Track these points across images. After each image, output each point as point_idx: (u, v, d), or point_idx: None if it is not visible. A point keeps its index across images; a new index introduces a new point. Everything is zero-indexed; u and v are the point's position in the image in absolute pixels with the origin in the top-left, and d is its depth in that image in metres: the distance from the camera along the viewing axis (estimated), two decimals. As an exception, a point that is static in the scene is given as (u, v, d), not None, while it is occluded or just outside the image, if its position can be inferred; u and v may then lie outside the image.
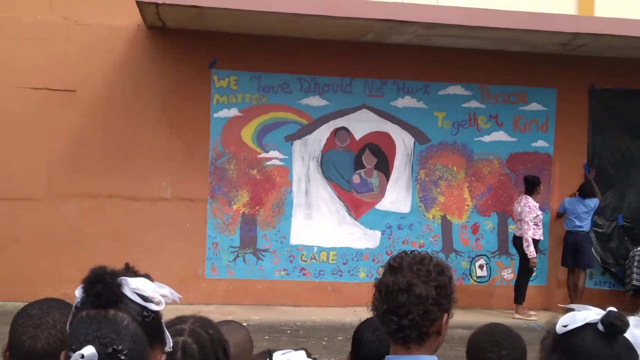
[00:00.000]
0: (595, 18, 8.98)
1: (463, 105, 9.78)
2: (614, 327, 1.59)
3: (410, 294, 1.91)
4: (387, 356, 2.01)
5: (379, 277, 2.01)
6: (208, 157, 9.19)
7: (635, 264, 9.59)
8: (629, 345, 1.61)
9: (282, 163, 9.38)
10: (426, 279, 1.93)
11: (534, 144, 9.95)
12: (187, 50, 9.07)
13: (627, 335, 1.61)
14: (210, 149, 9.19)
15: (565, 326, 1.65)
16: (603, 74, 9.96)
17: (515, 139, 9.91)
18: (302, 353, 2.22)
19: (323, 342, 7.72)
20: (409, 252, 2.02)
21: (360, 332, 2.47)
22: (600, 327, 1.60)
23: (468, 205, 9.86)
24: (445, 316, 1.96)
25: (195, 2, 7.69)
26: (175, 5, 7.67)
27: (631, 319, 1.65)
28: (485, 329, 2.64)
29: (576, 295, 9.61)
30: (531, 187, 9.15)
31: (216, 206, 9.23)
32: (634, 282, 9.56)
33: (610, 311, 1.62)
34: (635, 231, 10.05)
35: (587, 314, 1.63)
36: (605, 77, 9.99)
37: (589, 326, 1.62)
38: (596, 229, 9.98)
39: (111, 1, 8.95)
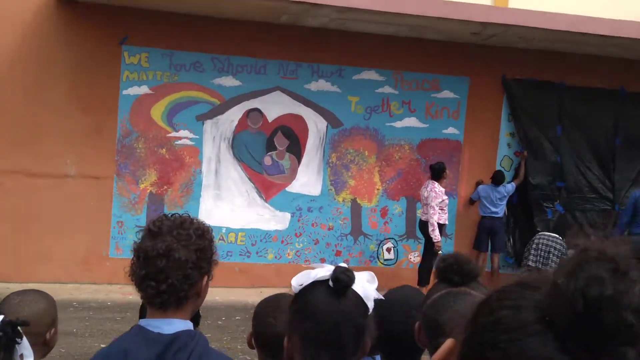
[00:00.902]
0: (504, 9, 9.14)
1: (376, 90, 9.85)
2: (340, 282, 1.61)
3: (169, 259, 1.87)
4: (140, 320, 1.99)
5: (137, 242, 1.95)
6: (116, 135, 9.00)
7: (534, 246, 9.91)
8: (358, 300, 1.64)
9: (192, 143, 9.27)
10: (186, 243, 1.90)
11: (444, 131, 10.12)
12: (98, 25, 8.81)
13: (358, 289, 1.64)
14: (119, 126, 9.00)
15: (300, 285, 1.67)
16: (515, 65, 10.18)
17: (427, 125, 10.05)
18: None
19: (219, 322, 7.71)
20: (169, 216, 1.99)
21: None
22: (330, 283, 1.62)
23: (378, 190, 9.98)
24: (205, 278, 1.96)
25: (100, -24, 7.45)
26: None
27: (364, 274, 1.68)
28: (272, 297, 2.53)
29: (492, 278, 9.89)
30: (437, 173, 9.31)
31: (122, 185, 9.08)
32: (529, 264, 9.87)
33: (337, 267, 1.65)
34: (536, 217, 10.36)
35: (319, 271, 1.66)
36: (517, 68, 10.21)
37: (320, 283, 1.64)
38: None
39: (17, -31, 8.62)
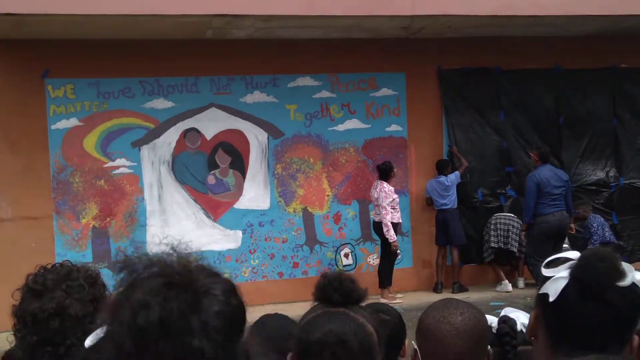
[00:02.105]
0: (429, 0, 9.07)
1: (314, 96, 9.71)
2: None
3: (64, 317, 1.68)
4: None
5: (16, 304, 1.73)
6: (49, 172, 8.70)
7: (492, 227, 9.85)
8: None
9: (131, 170, 9.01)
10: (79, 296, 1.71)
11: (387, 129, 10.01)
12: (17, 61, 8.54)
13: None
14: (51, 162, 8.71)
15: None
16: (449, 55, 10.11)
17: (369, 126, 9.93)
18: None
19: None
20: (50, 268, 1.80)
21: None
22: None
23: (328, 196, 9.81)
24: None
25: (10, 9, 7.19)
26: (-14, 14, 7.15)
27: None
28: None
29: (453, 272, 9.77)
30: (385, 173, 9.20)
31: (63, 222, 8.77)
32: (492, 245, 9.79)
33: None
34: (491, 205, 10.29)
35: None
36: (451, 58, 10.15)
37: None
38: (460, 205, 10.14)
39: None
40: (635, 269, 1.61)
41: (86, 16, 7.66)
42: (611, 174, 10.76)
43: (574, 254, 1.64)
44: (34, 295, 1.71)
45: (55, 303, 1.67)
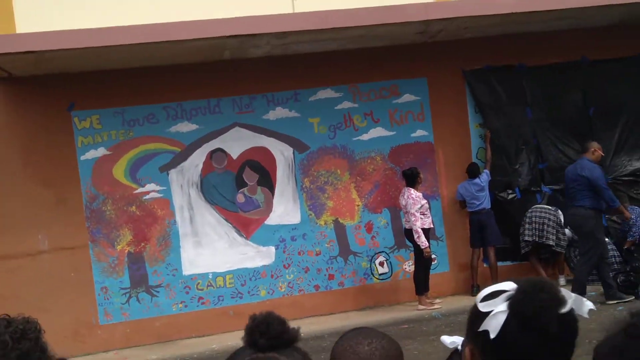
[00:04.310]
0: (443, 3, 9.04)
1: (336, 107, 9.75)
2: None
3: None
4: None
5: None
6: (82, 202, 8.93)
7: (527, 220, 9.72)
8: None
9: (161, 195, 9.18)
10: (3, 352, 1.64)
11: (413, 135, 9.98)
12: (42, 97, 8.81)
13: None
14: (83, 192, 8.94)
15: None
16: (471, 55, 10.05)
17: (394, 133, 9.92)
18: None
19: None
20: None
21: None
22: None
23: (358, 206, 9.82)
24: None
25: (29, 47, 7.45)
26: (7, 54, 7.42)
27: None
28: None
29: (492, 273, 9.65)
30: (411, 179, 9.18)
31: (99, 250, 8.98)
32: (527, 238, 9.66)
33: None
34: (526, 203, 10.14)
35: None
36: (473, 59, 10.08)
37: None
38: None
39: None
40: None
41: (102, 48, 7.87)
42: (648, 162, 10.52)
43: (509, 285, 1.59)
44: None
45: None
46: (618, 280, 8.61)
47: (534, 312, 1.51)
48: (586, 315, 1.58)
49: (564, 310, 1.53)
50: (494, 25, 9.43)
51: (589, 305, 1.60)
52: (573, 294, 1.58)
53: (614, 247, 9.57)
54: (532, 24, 9.59)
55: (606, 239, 9.61)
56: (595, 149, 8.94)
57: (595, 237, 8.65)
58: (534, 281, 1.58)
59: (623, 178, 10.45)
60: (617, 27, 10.19)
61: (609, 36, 10.26)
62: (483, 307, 1.57)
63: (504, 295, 1.56)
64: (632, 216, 9.65)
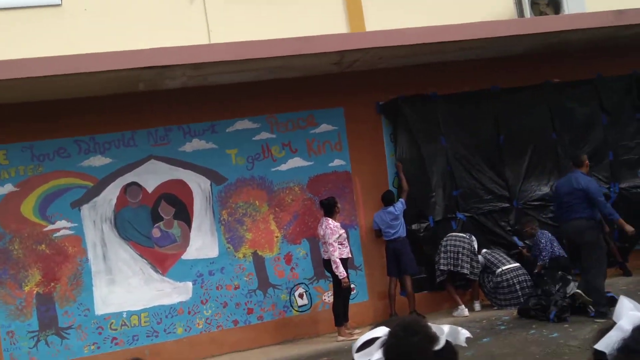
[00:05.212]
0: (357, 34, 9.14)
1: (254, 138, 9.66)
2: None
3: None
4: None
5: None
6: (-13, 241, 8.47)
7: (442, 249, 9.84)
8: None
9: (72, 232, 8.82)
10: None
11: (331, 164, 9.99)
12: (-57, 131, 8.35)
13: None
14: (-12, 231, 8.49)
15: None
16: (386, 85, 10.17)
17: (312, 162, 9.90)
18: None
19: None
20: None
21: None
22: None
23: (277, 237, 9.72)
24: None
25: None
26: None
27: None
28: None
29: (409, 301, 9.70)
30: (329, 209, 9.16)
31: (5, 292, 8.52)
32: (442, 267, 9.77)
33: None
34: (442, 230, 10.28)
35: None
36: (388, 88, 10.20)
37: None
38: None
39: None
40: None
41: (8, 80, 7.52)
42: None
43: (382, 330, 1.59)
44: None
45: None
46: (530, 303, 8.80)
47: (409, 356, 1.52)
48: (464, 344, 1.59)
49: (439, 347, 1.54)
50: (407, 56, 9.59)
51: (464, 333, 1.61)
52: (446, 327, 1.60)
53: (524, 271, 9.81)
54: (444, 54, 9.81)
55: (517, 264, 9.88)
56: (587, 162, 8.89)
57: (600, 246, 8.61)
58: (404, 324, 1.60)
59: (532, 203, 10.75)
60: (524, 57, 10.56)
61: (517, 65, 10.62)
62: (359, 358, 1.56)
63: (378, 342, 1.57)
64: (542, 240, 9.94)
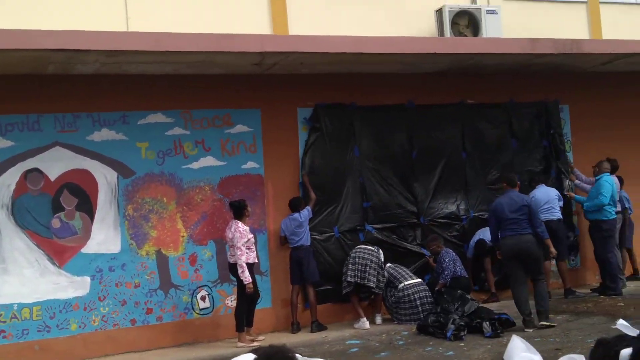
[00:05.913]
0: (279, 37, 9.05)
1: (166, 133, 9.38)
2: None
3: None
4: None
5: None
6: None
7: (351, 260, 9.81)
8: None
9: (-36, 216, 8.31)
10: None
11: (244, 166, 9.82)
12: None
13: None
14: None
15: None
16: (305, 91, 10.12)
17: (225, 163, 9.70)
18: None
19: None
20: None
21: None
22: None
23: (183, 237, 9.46)
24: None
25: None
26: None
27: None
28: None
29: (311, 311, 9.61)
30: (238, 211, 9.00)
31: None
32: (349, 279, 9.75)
33: None
34: (349, 241, 10.28)
35: None
36: (307, 94, 10.15)
37: None
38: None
39: None
40: None
41: None
42: (462, 206, 11.07)
43: (248, 357, 1.72)
44: None
45: None
46: (429, 320, 8.88)
47: None
48: None
49: None
50: (327, 64, 9.57)
51: None
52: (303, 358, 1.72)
53: (426, 287, 9.92)
54: (364, 65, 9.84)
55: (419, 279, 9.97)
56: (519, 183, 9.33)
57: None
58: (269, 352, 1.72)
59: (439, 220, 10.92)
60: (443, 75, 10.73)
61: (435, 83, 10.78)
62: None
63: None
64: (446, 259, 10.09)
